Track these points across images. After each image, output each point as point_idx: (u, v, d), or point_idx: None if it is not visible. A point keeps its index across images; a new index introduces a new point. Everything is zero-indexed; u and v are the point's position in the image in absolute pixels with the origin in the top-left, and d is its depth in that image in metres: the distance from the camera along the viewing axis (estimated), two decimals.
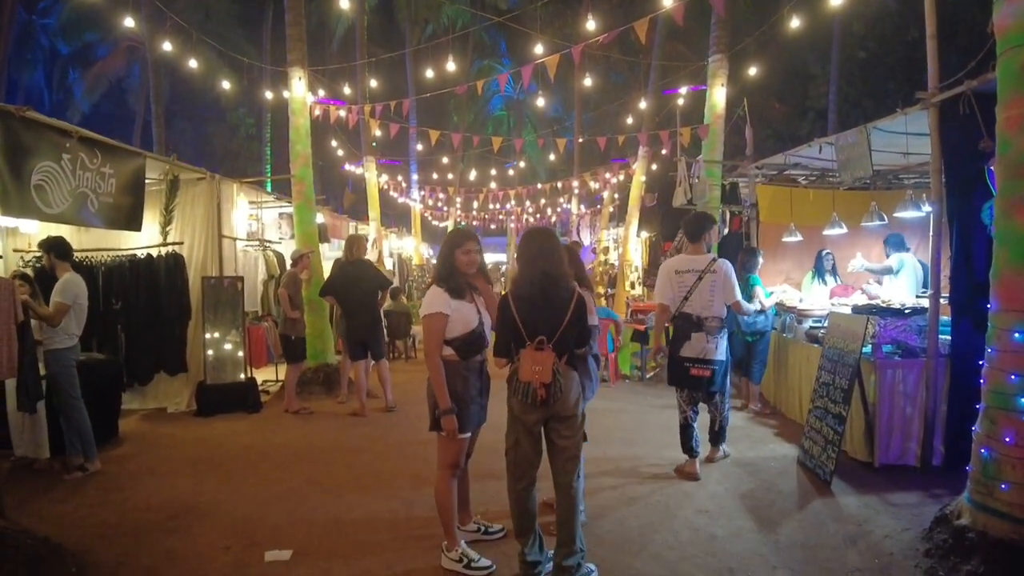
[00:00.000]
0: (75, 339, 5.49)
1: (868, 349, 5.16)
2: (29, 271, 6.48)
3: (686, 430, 5.21)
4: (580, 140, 13.56)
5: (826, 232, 7.81)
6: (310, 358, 8.26)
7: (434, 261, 14.20)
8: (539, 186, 17.54)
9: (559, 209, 22.49)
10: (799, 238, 8.20)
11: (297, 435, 6.62)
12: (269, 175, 21.17)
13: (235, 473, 5.41)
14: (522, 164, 18.71)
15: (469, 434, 3.65)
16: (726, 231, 9.70)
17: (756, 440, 6.14)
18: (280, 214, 10.42)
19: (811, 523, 4.19)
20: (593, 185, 16.66)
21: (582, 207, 20.49)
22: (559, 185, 18.38)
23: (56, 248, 5.57)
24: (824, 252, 7.87)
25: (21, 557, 3.44)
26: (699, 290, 5.06)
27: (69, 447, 5.42)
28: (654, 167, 14.25)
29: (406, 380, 9.11)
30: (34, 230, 7.35)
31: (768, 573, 3.54)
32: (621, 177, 15.68)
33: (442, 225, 25.13)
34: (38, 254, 7.23)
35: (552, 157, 18.47)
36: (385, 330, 8.02)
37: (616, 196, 17.69)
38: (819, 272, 7.80)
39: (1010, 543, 3.19)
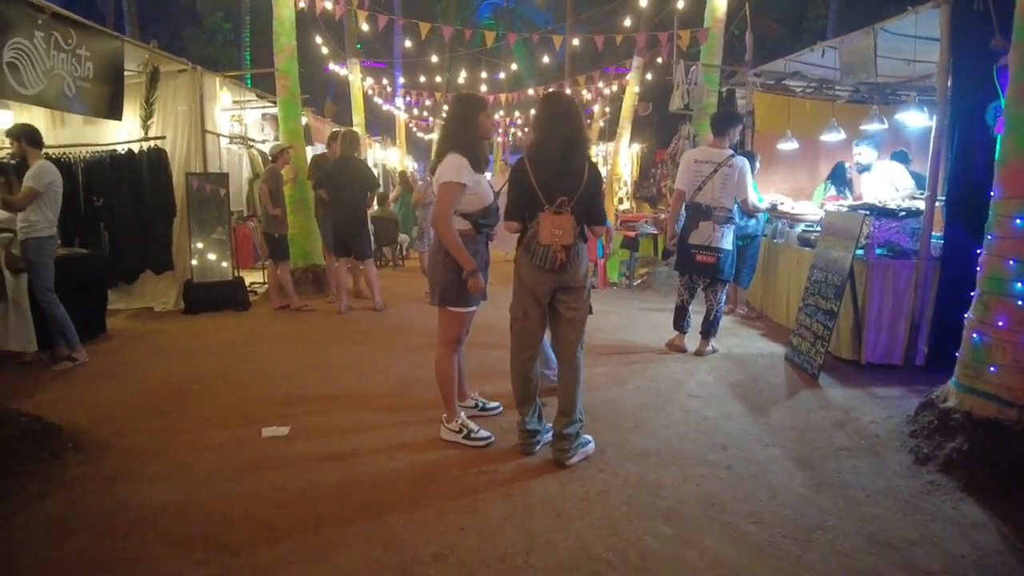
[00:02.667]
0: (54, 228, 5.34)
1: (861, 252, 5.18)
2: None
3: (680, 311, 5.68)
4: (575, 41, 13.04)
5: (823, 138, 7.71)
6: (297, 258, 8.18)
7: (420, 177, 13.97)
8: (530, 91, 16.99)
9: None
10: (796, 145, 8.09)
11: (288, 329, 6.66)
12: (249, 83, 20.48)
13: (227, 361, 5.46)
14: (514, 66, 18.01)
15: (474, 308, 3.65)
16: None
17: (744, 339, 6.25)
18: (263, 115, 10.08)
19: (799, 409, 4.30)
20: (585, 95, 16.21)
21: None
22: (552, 91, 17.85)
23: (27, 135, 5.31)
24: (843, 163, 7.70)
25: (18, 431, 3.46)
26: (712, 181, 5.33)
27: (55, 338, 5.39)
28: (649, 77, 13.88)
29: (393, 285, 9.12)
30: (7, 123, 7.05)
31: (760, 450, 3.64)
32: (615, 87, 15.29)
33: (427, 138, 24.57)
34: (10, 149, 6.99)
35: (546, 59, 17.70)
36: (372, 236, 7.93)
37: (607, 110, 17.31)
38: (836, 182, 7.58)
39: (995, 422, 3.27)
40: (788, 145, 8.11)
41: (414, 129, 24.00)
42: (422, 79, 19.33)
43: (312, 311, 7.40)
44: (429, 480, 3.24)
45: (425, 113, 21.67)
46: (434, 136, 22.66)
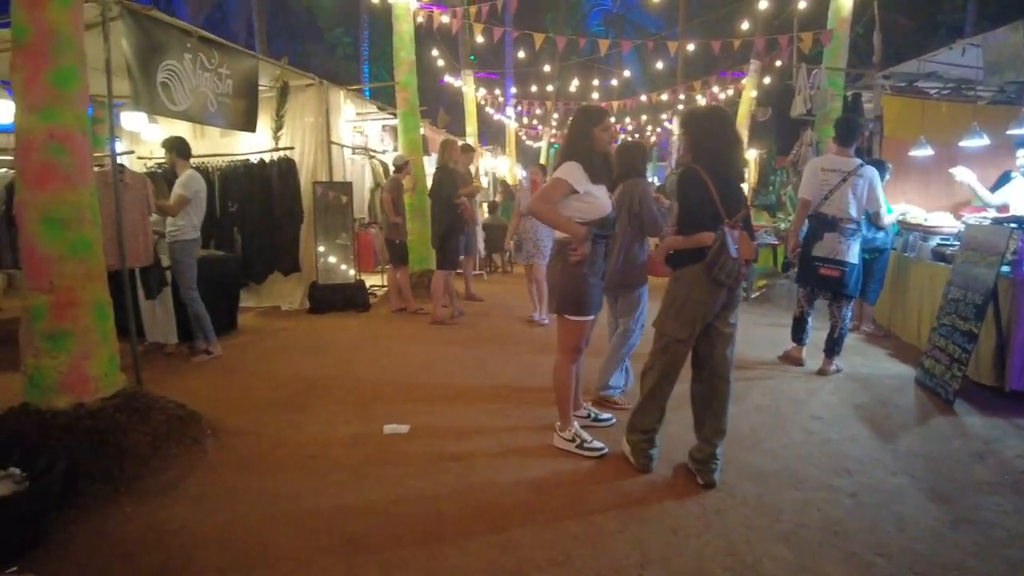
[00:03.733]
0: (198, 232, 5.82)
1: (1007, 269, 4.77)
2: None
3: (799, 323, 5.56)
4: (690, 47, 12.76)
5: (963, 143, 7.13)
6: (414, 263, 8.47)
7: (526, 182, 14.06)
8: (643, 98, 16.81)
9: (659, 129, 21.71)
10: (930, 152, 7.55)
11: (406, 331, 6.94)
12: (367, 96, 21.39)
13: (350, 359, 5.74)
14: (627, 73, 17.81)
15: (593, 317, 3.63)
16: None
17: (870, 358, 5.89)
18: (383, 126, 10.54)
19: (932, 437, 4.01)
20: (700, 100, 15.88)
21: None
22: (665, 96, 17.46)
23: (178, 147, 5.87)
24: (1010, 172, 7.09)
25: (164, 416, 3.78)
26: (840, 191, 5.08)
27: (195, 333, 5.85)
28: (767, 80, 13.41)
29: (502, 291, 9.28)
30: (154, 137, 7.76)
31: (888, 478, 3.42)
32: (730, 92, 14.89)
33: (536, 145, 24.81)
34: (159, 159, 7.68)
35: (660, 65, 17.30)
36: (483, 243, 8.14)
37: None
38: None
39: None
40: (921, 152, 7.58)
41: (523, 137, 24.33)
42: (534, 88, 19.48)
43: (427, 314, 7.63)
44: (543, 487, 3.27)
45: (535, 121, 21.91)
46: (542, 144, 22.90)
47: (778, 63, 12.64)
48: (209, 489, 3.28)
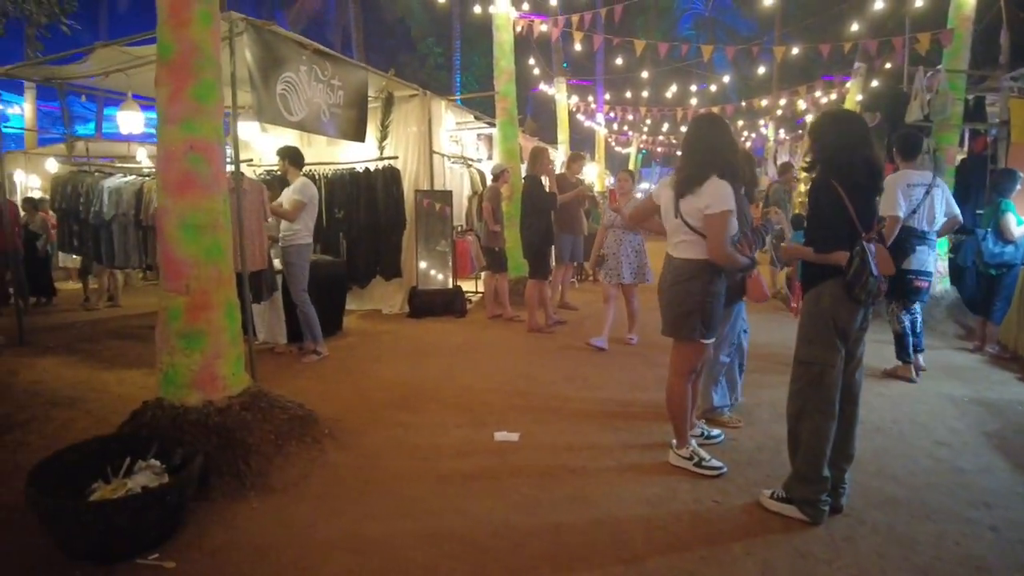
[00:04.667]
0: (311, 237, 6.06)
1: None
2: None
3: (902, 339, 5.42)
4: (795, 50, 12.27)
5: None
6: (510, 271, 8.51)
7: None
8: (742, 103, 16.34)
9: (753, 135, 21.05)
10: None
11: (504, 337, 6.96)
12: (459, 106, 21.77)
13: (453, 364, 5.83)
14: (726, 78, 17.34)
15: (713, 340, 3.50)
16: (963, 154, 8.49)
17: (997, 382, 5.44)
18: (478, 135, 10.68)
19: None
20: (801, 105, 15.28)
21: (781, 132, 18.98)
22: (764, 102, 16.89)
23: (291, 156, 6.15)
24: None
25: (285, 415, 3.91)
26: (926, 204, 5.14)
27: (304, 334, 6.08)
28: (874, 83, 12.74)
29: (596, 299, 9.15)
30: (264, 145, 8.15)
31: None
32: (833, 96, 14.25)
33: (624, 151, 24.55)
34: (269, 167, 8.05)
35: (761, 70, 16.66)
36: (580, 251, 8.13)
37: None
38: None
39: None
40: None
41: (612, 143, 24.14)
42: (628, 95, 19.31)
43: (522, 321, 7.64)
44: (661, 504, 3.18)
45: (625, 127, 21.70)
46: (631, 150, 22.63)
47: (888, 65, 11.97)
48: (331, 489, 3.37)
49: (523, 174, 7.67)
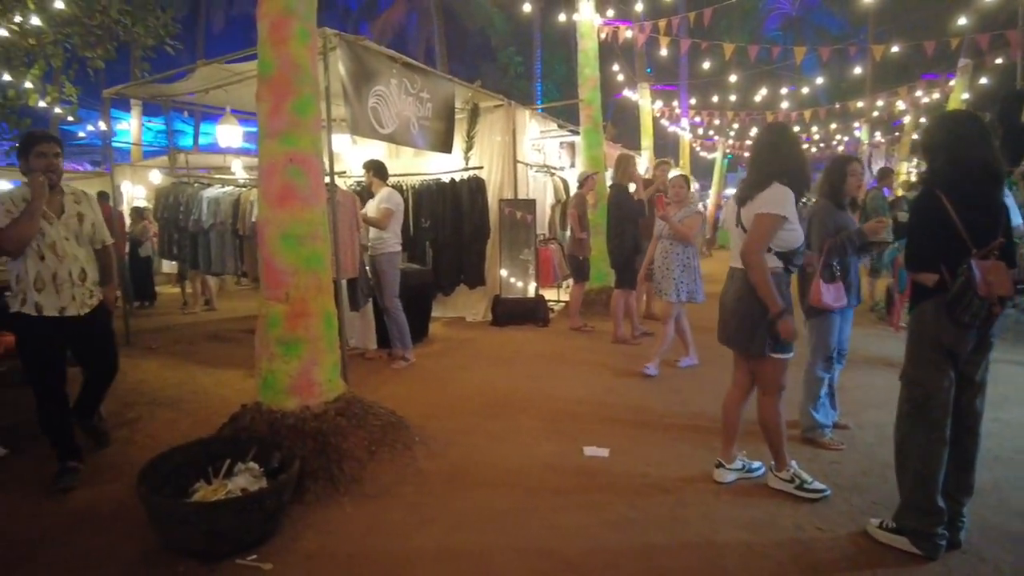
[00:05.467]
0: (400, 245, 6.18)
1: None
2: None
3: None
4: (894, 48, 11.62)
5: None
6: (593, 279, 8.43)
7: (698, 198, 13.58)
8: (836, 105, 15.64)
9: (846, 138, 20.15)
10: None
11: (588, 348, 6.85)
12: (540, 113, 21.81)
13: (537, 374, 5.77)
14: (818, 80, 16.59)
15: (792, 353, 3.27)
16: None
17: None
18: (561, 143, 10.65)
19: None
20: (900, 106, 14.49)
21: (876, 135, 18.07)
22: (859, 104, 16.04)
23: (377, 168, 6.31)
24: None
25: (378, 421, 3.97)
26: None
27: (393, 340, 6.18)
28: (983, 81, 11.96)
29: (689, 311, 8.93)
30: (354, 159, 8.36)
31: None
32: (936, 95, 13.45)
33: (710, 156, 23.96)
34: (359, 178, 8.25)
35: (857, 70, 15.73)
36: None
37: (922, 120, 15.27)
38: None
39: None
40: None
41: (697, 149, 23.62)
42: (715, 99, 18.78)
43: (591, 330, 7.54)
44: (760, 528, 3.03)
45: (711, 132, 21.18)
46: (716, 155, 22.07)
47: (998, 60, 11.20)
48: (422, 496, 3.39)
49: (609, 181, 7.59)
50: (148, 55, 13.46)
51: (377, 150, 8.19)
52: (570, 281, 8.19)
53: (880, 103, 15.35)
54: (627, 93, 16.66)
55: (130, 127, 19.79)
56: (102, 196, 8.94)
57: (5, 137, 13.29)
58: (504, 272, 8.05)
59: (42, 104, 11.43)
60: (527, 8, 11.92)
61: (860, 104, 15.92)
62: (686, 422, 4.51)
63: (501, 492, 3.42)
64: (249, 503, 2.90)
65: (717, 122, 18.35)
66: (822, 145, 21.51)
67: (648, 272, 6.12)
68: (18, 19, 9.71)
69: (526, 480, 3.56)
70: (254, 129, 3.98)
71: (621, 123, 25.14)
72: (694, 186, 21.73)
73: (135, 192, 13.05)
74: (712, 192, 21.85)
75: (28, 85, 10.91)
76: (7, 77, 10.97)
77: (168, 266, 11.61)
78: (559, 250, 8.93)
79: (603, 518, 3.12)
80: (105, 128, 8.17)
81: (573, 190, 9.06)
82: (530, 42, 26.49)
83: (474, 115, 8.03)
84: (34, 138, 3.61)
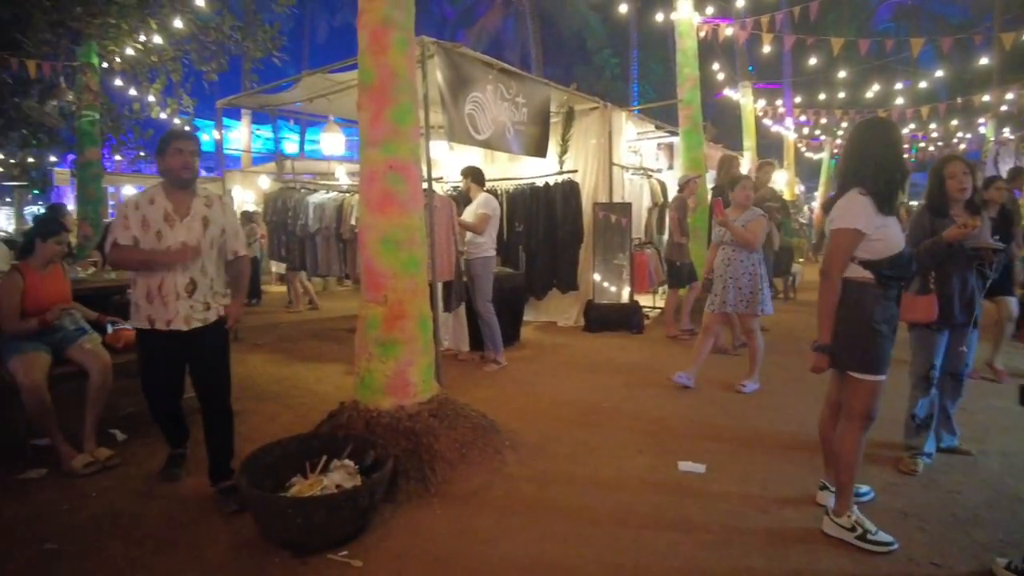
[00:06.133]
0: (494, 249, 6.23)
1: None
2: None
3: None
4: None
5: None
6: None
7: (811, 200, 12.83)
8: (959, 100, 14.50)
9: (968, 135, 18.66)
10: None
11: (683, 358, 6.52)
12: (636, 115, 21.50)
13: (630, 382, 5.63)
14: (939, 74, 15.39)
15: (884, 377, 2.95)
16: None
17: None
18: (659, 145, 10.44)
19: None
20: None
21: (1005, 131, 16.59)
22: (986, 98, 14.74)
23: (474, 174, 6.38)
24: None
25: (469, 424, 4.00)
26: None
27: (486, 343, 6.23)
28: None
29: (788, 319, 8.56)
30: (450, 165, 8.51)
31: None
32: None
33: (816, 157, 22.79)
34: (455, 183, 8.39)
35: (984, 61, 14.39)
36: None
37: None
38: None
39: None
40: None
41: (803, 149, 22.53)
42: (822, 96, 17.82)
43: (688, 339, 7.29)
44: (870, 560, 2.81)
45: (817, 132, 20.15)
46: (823, 155, 21.01)
47: None
48: (511, 503, 3.38)
49: (710, 184, 7.37)
50: (257, 66, 14.32)
51: (473, 156, 8.32)
52: (666, 287, 7.97)
53: (1010, 96, 14.10)
54: (728, 92, 16.14)
55: (240, 135, 21.03)
56: None
57: (130, 147, 14.52)
58: (597, 277, 7.96)
59: (163, 115, 12.41)
60: (624, 9, 11.72)
61: (986, 98, 14.68)
62: (789, 440, 4.27)
63: (592, 504, 3.35)
64: (343, 500, 2.97)
65: (824, 120, 17.42)
66: (940, 144, 20.01)
67: (707, 281, 5.75)
68: (143, 39, 10.57)
69: (617, 493, 3.48)
70: (356, 137, 4.08)
71: (721, 123, 24.41)
72: (798, 188, 20.89)
73: (245, 197, 13.82)
74: (818, 195, 20.81)
75: (151, 99, 11.89)
76: (133, 92, 11.99)
77: (276, 266, 12.23)
78: (655, 255, 8.74)
79: (697, 537, 3.00)
80: (218, 136, 8.68)
81: (671, 193, 8.85)
82: (626, 43, 26.18)
83: (569, 118, 8.00)
84: (172, 135, 3.41)
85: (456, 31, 29.98)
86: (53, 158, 15.99)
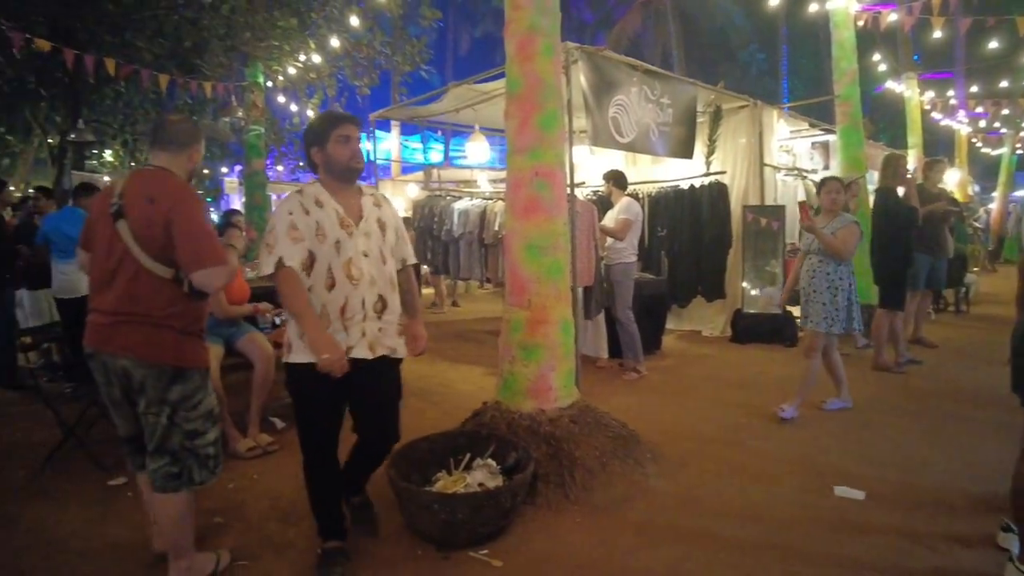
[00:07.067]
0: (636, 255, 6.13)
1: None
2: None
3: None
4: None
5: None
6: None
7: (988, 201, 11.37)
8: None
9: None
10: None
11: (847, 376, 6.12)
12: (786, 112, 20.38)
13: (783, 400, 4.98)
14: None
15: None
16: None
17: None
18: (813, 144, 9.82)
19: None
20: None
21: None
22: None
23: (616, 178, 6.31)
24: None
25: (609, 433, 3.94)
26: None
27: (625, 351, 6.13)
28: None
29: (960, 336, 7.72)
30: (591, 169, 8.45)
31: None
32: None
33: (995, 153, 20.31)
34: (595, 187, 8.34)
35: None
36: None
37: None
38: None
39: None
40: None
41: (977, 144, 20.20)
42: (1003, 83, 15.85)
43: (847, 354, 6.66)
44: None
45: (996, 124, 17.97)
46: (1003, 151, 18.76)
47: None
48: (652, 516, 3.29)
49: (873, 185, 6.81)
50: (405, 79, 15.06)
51: (615, 159, 8.22)
52: None
53: None
54: (890, 85, 14.86)
55: (390, 145, 22.18)
56: None
57: (290, 157, 15.80)
58: (746, 284, 7.59)
59: None
60: (773, 1, 11.09)
61: None
62: (959, 470, 3.81)
63: (737, 526, 3.19)
64: (486, 499, 3.02)
65: (1006, 111, 15.55)
66: None
67: (791, 294, 5.27)
68: (302, 58, 11.51)
69: (766, 515, 3.28)
70: (500, 146, 4.16)
71: (883, 118, 22.56)
72: (972, 188, 18.71)
73: (395, 204, 14.53)
74: (997, 195, 18.49)
75: (309, 113, 12.88)
76: (293, 107, 13.06)
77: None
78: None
79: (850, 570, 2.76)
80: (370, 147, 9.25)
81: None
82: (774, 37, 24.91)
83: (716, 118, 7.70)
84: (332, 119, 2.78)
85: (595, 34, 29.86)
86: (224, 169, 17.74)
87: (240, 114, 11.60)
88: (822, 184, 5.06)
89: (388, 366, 2.88)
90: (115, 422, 2.74)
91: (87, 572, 2.90)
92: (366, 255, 2.73)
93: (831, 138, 9.29)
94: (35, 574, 2.90)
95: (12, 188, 10.72)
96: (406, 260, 3.03)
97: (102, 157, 17.47)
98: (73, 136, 10.70)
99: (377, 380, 2.83)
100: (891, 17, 9.52)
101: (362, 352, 2.72)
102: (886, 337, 6.20)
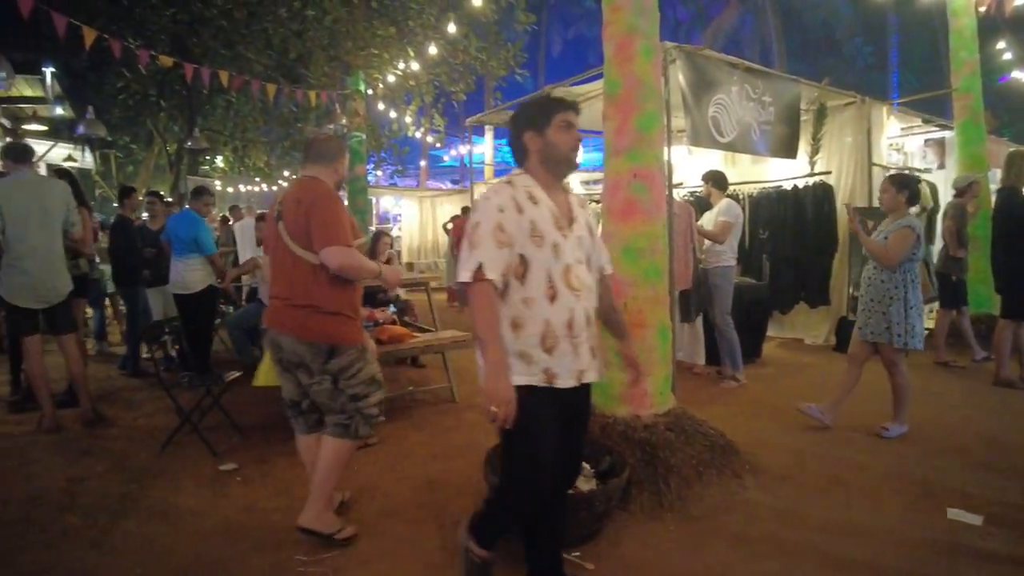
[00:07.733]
0: (735, 259, 5.94)
1: None
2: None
3: None
4: None
5: None
6: (972, 305, 7.06)
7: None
8: None
9: None
10: None
11: (956, 389, 5.75)
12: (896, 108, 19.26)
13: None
14: None
15: None
16: None
17: None
18: (926, 141, 9.20)
19: None
20: None
21: None
22: None
23: (716, 179, 6.14)
24: None
25: (706, 442, 3.84)
26: None
27: (723, 358, 5.95)
28: None
29: None
30: (688, 169, 8.26)
31: None
32: None
33: None
34: (692, 188, 8.15)
35: None
36: None
37: None
38: None
39: None
40: None
41: None
42: None
43: (963, 368, 6.35)
44: None
45: None
46: None
47: None
48: (751, 530, 3.19)
49: (995, 185, 6.32)
50: (500, 84, 15.24)
51: (713, 159, 8.02)
52: (937, 305, 6.96)
53: None
54: (1016, 75, 13.69)
55: (484, 148, 22.50)
56: (465, 211, 10.31)
57: (389, 162, 16.31)
58: (853, 291, 7.21)
59: (417, 134, 13.80)
60: None
61: None
62: None
63: (841, 548, 3.02)
64: (580, 502, 3.01)
65: None
66: None
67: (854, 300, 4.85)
68: (401, 66, 11.87)
69: (872, 538, 3.11)
70: (594, 148, 4.14)
71: (1004, 112, 20.90)
72: None
73: None
74: None
75: (407, 119, 13.26)
76: (392, 114, 13.49)
77: None
78: (923, 267, 7.69)
79: None
80: (464, 152, 9.47)
81: (942, 195, 7.75)
82: (882, 29, 23.60)
83: (821, 115, 7.36)
84: (559, 101, 2.38)
85: (690, 32, 29.27)
86: None
87: (343, 121, 12.09)
88: (882, 186, 4.74)
89: (590, 390, 2.52)
90: (282, 386, 3.21)
91: (201, 550, 3.10)
92: (580, 262, 2.35)
93: (947, 134, 8.70)
94: (153, 549, 3.12)
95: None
96: (604, 269, 2.59)
97: (214, 163, 18.63)
98: (189, 144, 11.50)
99: (586, 407, 2.56)
100: (1017, 1, 8.80)
101: (592, 376, 2.40)
102: (1009, 349, 5.75)
